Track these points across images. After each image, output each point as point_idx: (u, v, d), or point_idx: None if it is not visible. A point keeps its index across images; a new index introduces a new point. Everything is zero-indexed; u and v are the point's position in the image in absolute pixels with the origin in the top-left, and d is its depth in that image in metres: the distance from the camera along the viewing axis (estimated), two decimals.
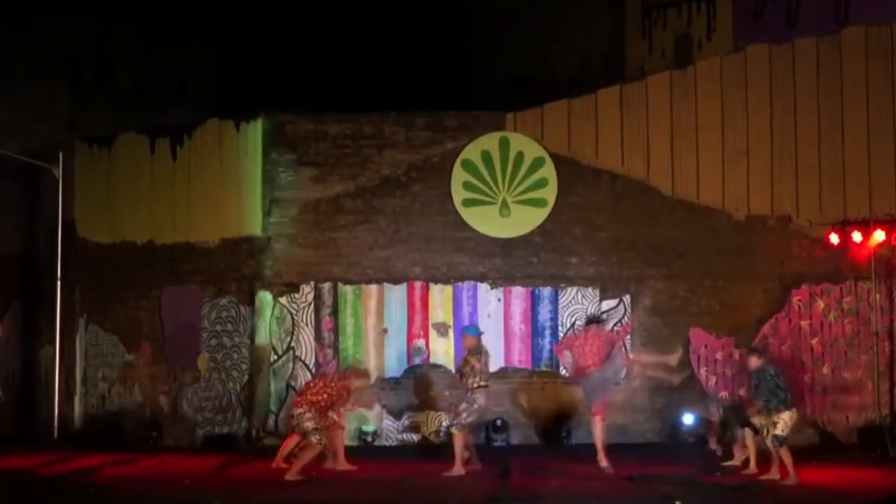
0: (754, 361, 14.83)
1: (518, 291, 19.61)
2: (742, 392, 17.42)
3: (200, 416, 20.17)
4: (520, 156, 19.60)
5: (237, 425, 19.80)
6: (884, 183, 19.27)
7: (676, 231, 19.57)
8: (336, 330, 19.46)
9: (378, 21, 26.24)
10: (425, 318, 19.59)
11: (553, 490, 14.00)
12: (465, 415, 15.34)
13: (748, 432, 15.34)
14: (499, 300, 19.59)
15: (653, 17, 23.56)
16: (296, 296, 19.60)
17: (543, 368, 19.51)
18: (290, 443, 16.27)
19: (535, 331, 19.56)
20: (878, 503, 12.95)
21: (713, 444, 16.88)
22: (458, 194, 19.61)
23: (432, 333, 19.57)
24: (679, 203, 19.61)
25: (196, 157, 20.50)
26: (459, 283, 19.60)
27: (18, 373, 22.28)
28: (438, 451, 17.84)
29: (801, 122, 19.53)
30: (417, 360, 19.53)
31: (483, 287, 19.60)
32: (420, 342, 19.56)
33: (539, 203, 19.57)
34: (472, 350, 15.45)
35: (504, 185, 19.59)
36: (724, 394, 18.89)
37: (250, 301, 19.72)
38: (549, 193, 19.58)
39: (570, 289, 19.57)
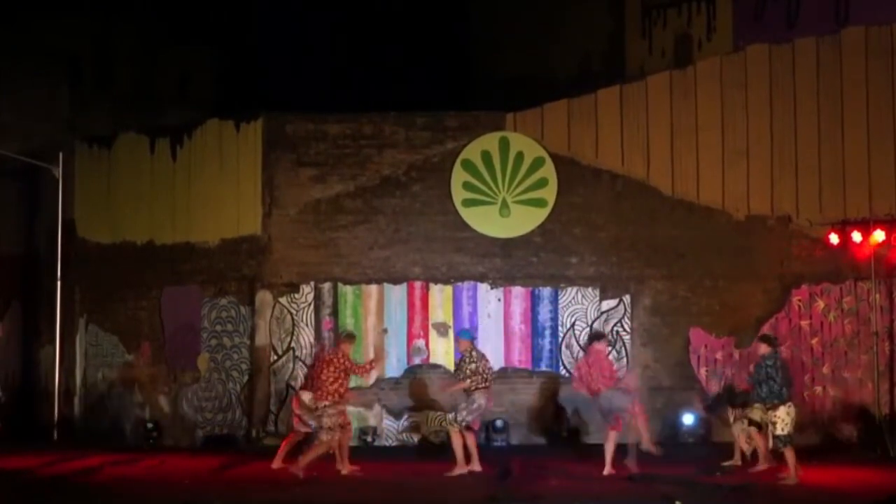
0: (762, 349, 14.86)
1: (518, 291, 19.61)
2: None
3: (200, 416, 20.17)
4: (520, 156, 19.60)
5: (237, 425, 19.81)
6: (884, 183, 19.27)
7: (676, 231, 19.56)
8: (336, 330, 19.44)
9: (378, 21, 26.25)
10: (425, 318, 19.59)
11: (553, 490, 14.01)
12: (464, 413, 15.40)
13: (753, 430, 15.32)
14: (499, 300, 19.59)
15: (653, 17, 23.56)
16: (296, 296, 19.60)
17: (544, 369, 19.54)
18: (290, 443, 16.29)
19: (535, 331, 19.56)
20: (878, 503, 12.96)
21: (696, 404, 16.98)
22: (458, 194, 19.61)
23: (432, 333, 19.57)
24: (679, 203, 19.61)
25: (196, 157, 20.51)
26: (459, 283, 19.60)
27: (18, 373, 22.29)
28: (438, 451, 17.85)
29: (801, 122, 19.53)
30: (417, 360, 19.53)
31: (483, 287, 19.60)
32: (420, 342, 19.57)
33: (539, 203, 19.57)
34: (466, 353, 15.53)
35: (504, 185, 19.59)
36: (727, 372, 18.85)
37: (250, 301, 19.73)
38: (549, 193, 19.58)
39: (570, 289, 19.57)
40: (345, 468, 15.52)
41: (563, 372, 19.45)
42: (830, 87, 19.49)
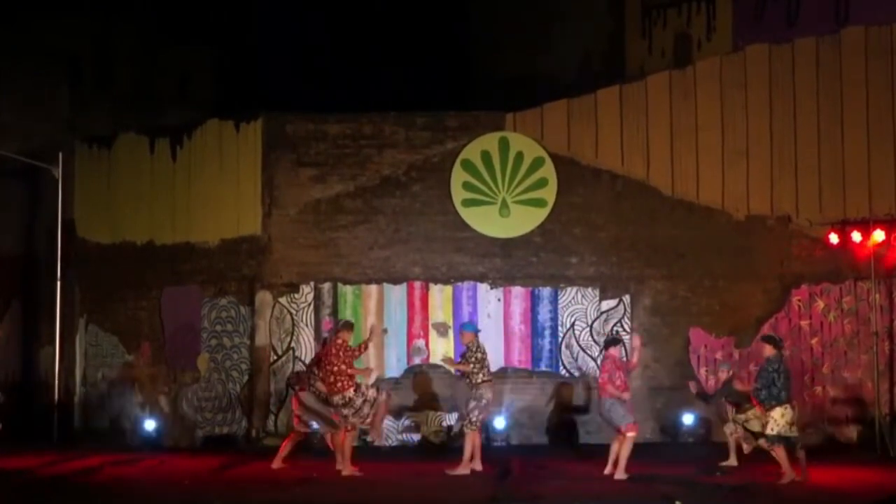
0: (767, 350, 14.85)
1: (518, 291, 19.61)
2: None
3: (200, 416, 20.17)
4: (519, 156, 19.60)
5: (237, 425, 19.81)
6: (883, 183, 19.28)
7: (676, 231, 19.57)
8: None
9: (378, 21, 26.25)
10: (425, 318, 19.59)
11: (553, 490, 14.01)
12: (476, 412, 15.43)
13: (763, 442, 15.18)
14: (499, 300, 19.59)
15: (653, 17, 23.57)
16: (296, 296, 19.60)
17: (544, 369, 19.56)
18: (290, 443, 16.29)
19: (534, 331, 19.56)
20: (878, 503, 12.96)
21: (693, 387, 17.01)
22: (458, 194, 19.61)
23: (432, 333, 19.58)
24: (679, 203, 19.61)
25: (196, 157, 20.50)
26: (459, 283, 19.61)
27: (18, 373, 22.29)
28: (438, 451, 17.85)
29: (800, 123, 19.53)
30: (417, 360, 19.54)
31: (483, 287, 19.60)
32: (420, 342, 19.57)
33: (539, 203, 19.57)
34: (469, 346, 15.52)
35: (504, 185, 19.59)
36: (733, 361, 18.78)
37: (250, 301, 19.73)
38: (549, 193, 19.58)
39: (569, 289, 19.57)
40: (345, 469, 15.51)
41: (562, 372, 19.47)
42: (830, 87, 19.50)
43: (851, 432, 19.04)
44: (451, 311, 19.59)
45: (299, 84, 24.11)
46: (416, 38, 25.79)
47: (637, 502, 13.49)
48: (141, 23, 24.45)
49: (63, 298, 21.02)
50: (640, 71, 22.31)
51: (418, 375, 19.51)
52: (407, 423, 19.39)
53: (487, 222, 19.60)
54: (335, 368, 15.28)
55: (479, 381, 15.38)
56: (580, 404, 19.22)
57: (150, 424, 19.85)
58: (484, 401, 15.44)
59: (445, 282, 19.61)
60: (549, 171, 19.59)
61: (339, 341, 15.48)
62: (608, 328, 19.31)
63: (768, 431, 14.48)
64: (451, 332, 19.43)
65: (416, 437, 19.37)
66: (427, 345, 19.55)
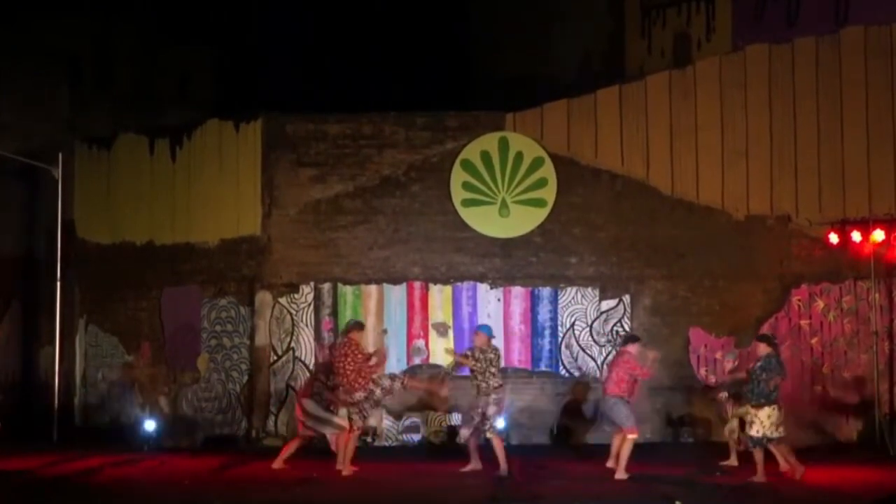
0: (761, 349, 14.90)
1: (518, 291, 19.61)
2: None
3: (200, 416, 20.17)
4: (519, 156, 19.60)
5: (237, 426, 19.81)
6: (883, 183, 19.28)
7: (676, 231, 19.57)
8: (336, 330, 19.44)
9: (378, 21, 26.24)
10: (425, 318, 19.59)
11: (553, 490, 14.01)
12: (494, 416, 15.54)
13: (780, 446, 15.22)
14: (498, 300, 19.59)
15: (652, 17, 23.57)
16: (296, 296, 19.60)
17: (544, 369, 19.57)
18: (293, 447, 16.28)
19: (534, 331, 19.56)
20: (878, 503, 12.97)
21: (721, 398, 16.97)
22: (458, 194, 19.61)
23: (432, 333, 19.58)
24: (679, 203, 19.62)
25: (196, 157, 20.51)
26: (459, 284, 19.61)
27: (18, 373, 22.28)
28: (438, 451, 17.86)
29: (800, 123, 19.53)
30: (417, 361, 19.54)
31: (483, 287, 19.60)
32: (420, 342, 19.57)
33: (538, 203, 19.57)
34: (487, 347, 15.55)
35: (503, 185, 19.59)
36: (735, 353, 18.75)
37: (250, 301, 19.73)
38: (549, 193, 19.58)
39: (569, 289, 19.58)
40: (346, 469, 15.52)
41: (562, 372, 19.47)
42: (830, 87, 19.49)
43: (851, 432, 19.04)
44: (451, 311, 19.59)
45: (299, 84, 24.11)
46: (416, 37, 25.78)
47: (637, 502, 13.50)
48: (141, 23, 24.43)
49: (63, 299, 21.00)
50: (640, 71, 22.31)
51: (418, 376, 19.47)
52: (407, 423, 19.40)
53: (487, 222, 19.60)
54: (349, 369, 15.30)
55: (496, 384, 15.47)
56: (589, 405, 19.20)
57: (150, 425, 19.77)
58: (503, 405, 15.66)
59: (445, 282, 19.61)
60: (548, 171, 19.59)
61: (351, 342, 15.48)
62: (608, 328, 19.32)
63: (753, 433, 14.52)
64: (450, 333, 19.44)
65: (416, 437, 19.37)
66: (427, 345, 19.55)
